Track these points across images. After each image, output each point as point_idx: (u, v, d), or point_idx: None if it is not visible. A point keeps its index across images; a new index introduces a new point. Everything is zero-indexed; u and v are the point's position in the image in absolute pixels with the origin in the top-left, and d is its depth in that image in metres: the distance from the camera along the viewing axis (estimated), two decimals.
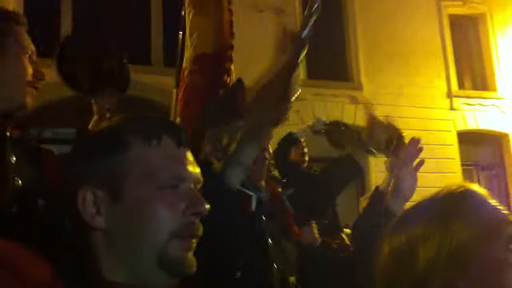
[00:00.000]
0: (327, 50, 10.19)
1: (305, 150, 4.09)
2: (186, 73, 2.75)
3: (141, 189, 0.98)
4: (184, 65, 2.80)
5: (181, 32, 2.90)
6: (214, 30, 2.56)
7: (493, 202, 1.02)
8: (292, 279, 2.00)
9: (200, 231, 1.01)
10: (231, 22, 2.66)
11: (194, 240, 1.01)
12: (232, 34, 2.63)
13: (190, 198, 1.00)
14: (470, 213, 0.99)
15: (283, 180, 2.75)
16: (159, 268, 0.96)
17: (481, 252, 0.95)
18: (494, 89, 11.86)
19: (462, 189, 1.04)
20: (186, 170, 1.03)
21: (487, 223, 0.97)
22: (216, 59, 2.61)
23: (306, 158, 4.08)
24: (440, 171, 10.24)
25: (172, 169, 1.01)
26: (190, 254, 1.00)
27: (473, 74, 12.12)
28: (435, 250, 0.96)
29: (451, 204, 1.01)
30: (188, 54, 2.78)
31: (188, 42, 2.77)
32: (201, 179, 1.06)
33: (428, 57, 11.37)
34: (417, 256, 0.97)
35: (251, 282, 1.78)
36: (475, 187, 1.05)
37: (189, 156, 1.06)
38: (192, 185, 1.03)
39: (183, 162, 1.04)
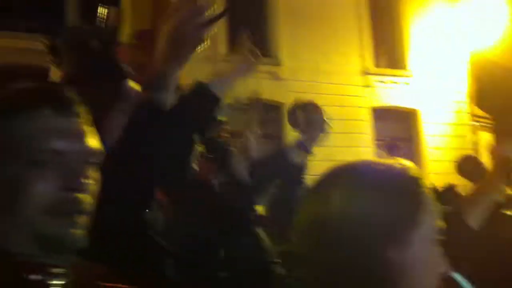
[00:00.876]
0: (248, 25, 10.19)
1: (226, 127, 4.02)
2: (125, 48, 2.66)
3: (14, 164, 0.93)
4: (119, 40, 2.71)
5: (102, 4, 2.78)
6: (150, 5, 2.48)
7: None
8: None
9: (87, 206, 0.97)
10: None
11: (79, 216, 0.96)
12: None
13: (67, 173, 0.95)
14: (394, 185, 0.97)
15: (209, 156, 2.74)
16: (39, 244, 0.93)
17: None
18: (406, 68, 12.38)
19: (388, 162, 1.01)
20: (65, 142, 0.96)
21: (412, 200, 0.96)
22: (153, 35, 2.53)
23: (226, 134, 4.02)
24: (354, 146, 10.63)
25: (48, 141, 0.95)
26: (75, 230, 0.95)
27: (387, 52, 12.55)
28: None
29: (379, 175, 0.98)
30: (125, 28, 2.69)
31: (126, 16, 2.67)
32: (92, 149, 0.99)
33: (346, 35, 11.66)
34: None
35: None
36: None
37: (76, 126, 0.99)
38: (73, 158, 0.96)
39: (63, 134, 0.97)
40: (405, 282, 0.91)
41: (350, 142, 10.44)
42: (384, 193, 0.94)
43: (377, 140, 11.50)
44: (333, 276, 0.92)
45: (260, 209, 3.31)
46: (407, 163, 1.00)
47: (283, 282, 0.93)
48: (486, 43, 12.83)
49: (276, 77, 10.51)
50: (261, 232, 2.88)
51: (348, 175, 0.99)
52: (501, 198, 2.28)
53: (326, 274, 0.93)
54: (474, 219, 2.07)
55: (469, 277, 1.68)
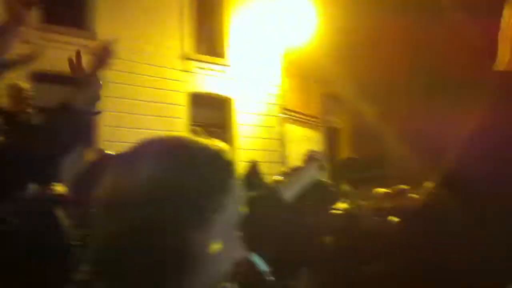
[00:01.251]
0: None
1: (29, 101, 3.76)
2: None
3: None
4: None
5: None
6: None
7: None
8: None
9: None
10: None
11: None
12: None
13: None
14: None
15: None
16: None
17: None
18: (224, 57, 12.69)
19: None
20: None
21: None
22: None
23: (29, 109, 3.76)
24: (168, 130, 10.61)
25: None
26: None
27: (208, 39, 12.73)
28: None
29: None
30: None
31: None
32: None
33: (168, 16, 11.55)
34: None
35: None
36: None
37: None
38: None
39: None
40: (206, 262, 0.91)
41: (166, 125, 10.38)
42: (193, 172, 0.92)
43: (192, 125, 11.63)
44: (133, 256, 0.88)
45: (60, 188, 3.12)
46: (220, 145, 0.99)
47: (85, 264, 0.86)
48: (299, 40, 13.72)
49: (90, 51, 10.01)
50: (61, 213, 2.78)
51: (157, 152, 0.94)
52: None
53: (127, 254, 0.88)
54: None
55: (268, 257, 1.75)
